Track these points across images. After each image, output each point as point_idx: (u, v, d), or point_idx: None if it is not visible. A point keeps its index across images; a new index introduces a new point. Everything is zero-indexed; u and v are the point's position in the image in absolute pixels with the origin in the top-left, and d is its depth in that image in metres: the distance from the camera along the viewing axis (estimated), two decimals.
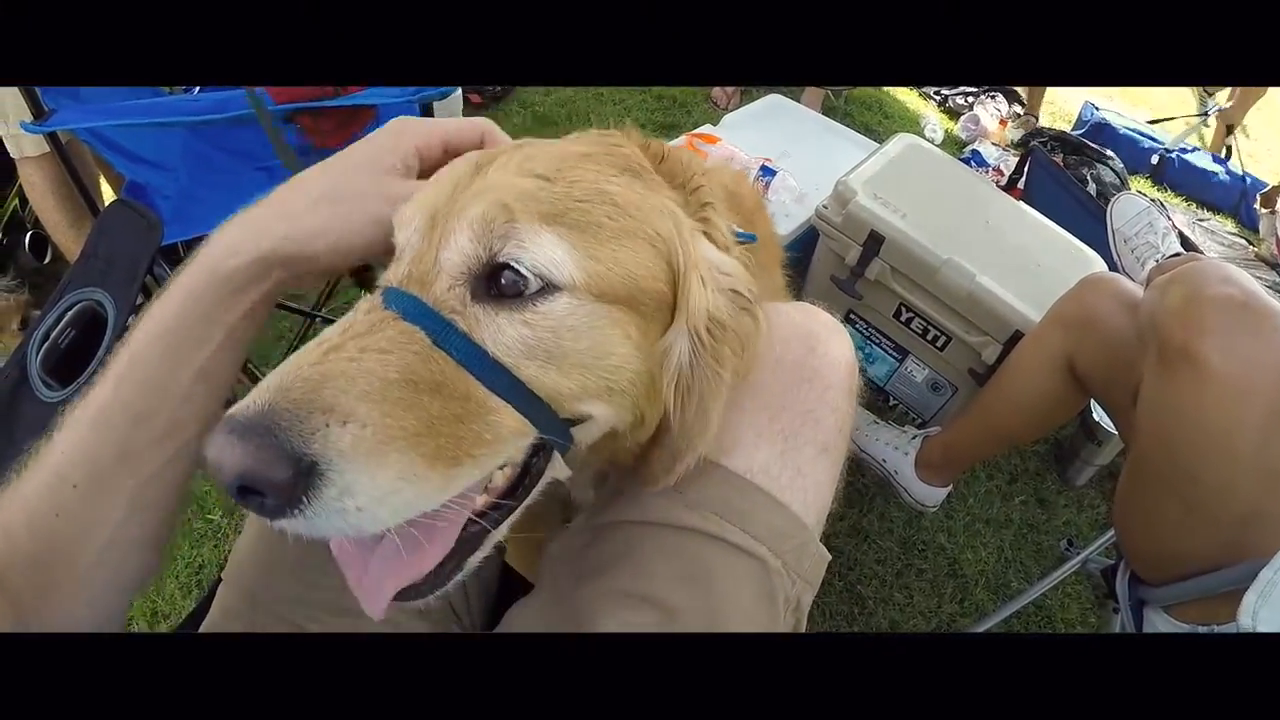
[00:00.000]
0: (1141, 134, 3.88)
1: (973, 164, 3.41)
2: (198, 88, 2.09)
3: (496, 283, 0.58)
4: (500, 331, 0.57)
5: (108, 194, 2.14)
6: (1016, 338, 1.75)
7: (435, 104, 1.57)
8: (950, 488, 1.91)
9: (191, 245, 1.88)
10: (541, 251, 0.57)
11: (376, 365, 0.52)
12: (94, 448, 0.60)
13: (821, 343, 0.78)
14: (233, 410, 0.48)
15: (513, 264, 0.57)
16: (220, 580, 0.81)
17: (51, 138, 1.53)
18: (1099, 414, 2.00)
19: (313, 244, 0.64)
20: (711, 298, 0.64)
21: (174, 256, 1.82)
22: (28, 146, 1.63)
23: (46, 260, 2.11)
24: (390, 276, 0.60)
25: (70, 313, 1.17)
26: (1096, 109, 3.94)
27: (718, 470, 0.72)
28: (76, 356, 1.16)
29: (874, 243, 1.88)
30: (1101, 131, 3.78)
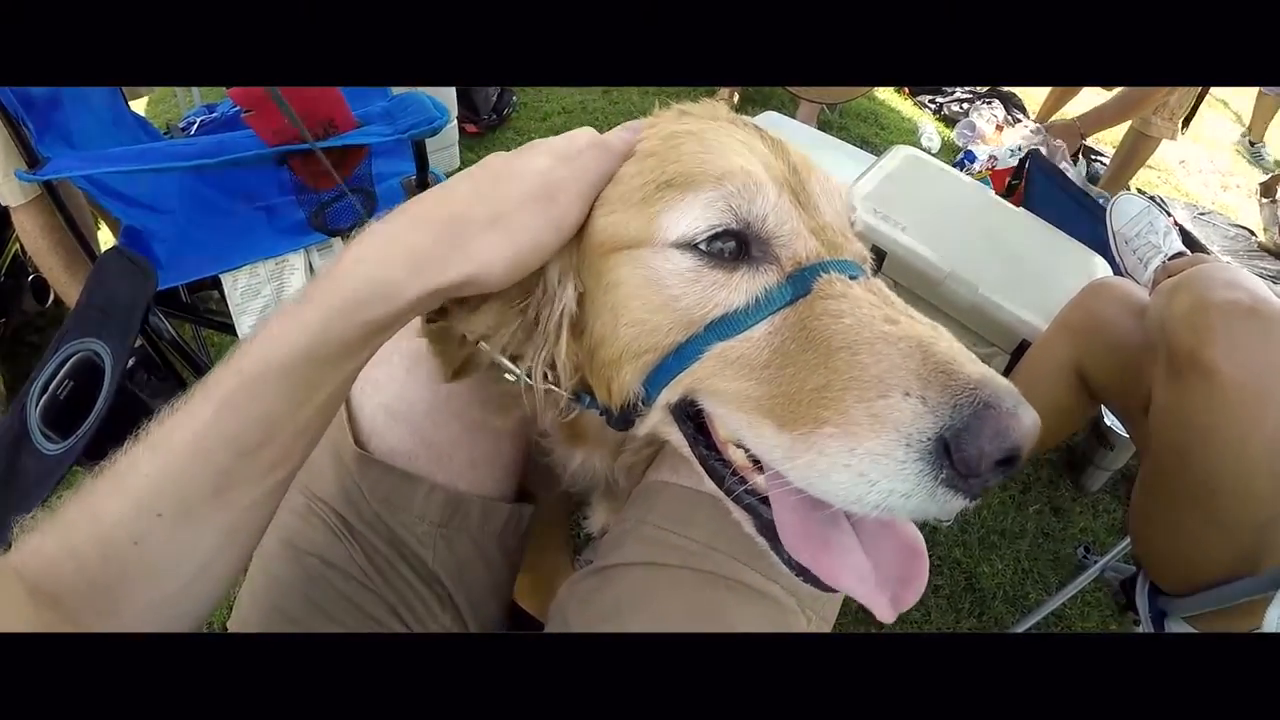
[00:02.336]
0: None
1: (965, 163, 3.40)
2: (194, 128, 2.11)
3: None
4: None
5: (105, 236, 2.14)
6: (1024, 348, 1.74)
7: (428, 138, 1.57)
8: None
9: (195, 290, 1.90)
10: None
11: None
12: (187, 477, 0.54)
13: None
14: (987, 382, 0.49)
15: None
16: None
17: (46, 185, 1.53)
18: (1111, 419, 1.98)
19: (490, 272, 0.58)
20: None
21: (175, 300, 1.82)
22: (18, 194, 1.63)
23: (49, 303, 2.12)
24: (807, 250, 0.60)
25: (68, 364, 1.17)
26: None
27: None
28: (75, 407, 1.16)
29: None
30: None
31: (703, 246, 0.58)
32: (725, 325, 0.57)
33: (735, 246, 0.59)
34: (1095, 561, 1.72)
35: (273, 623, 0.75)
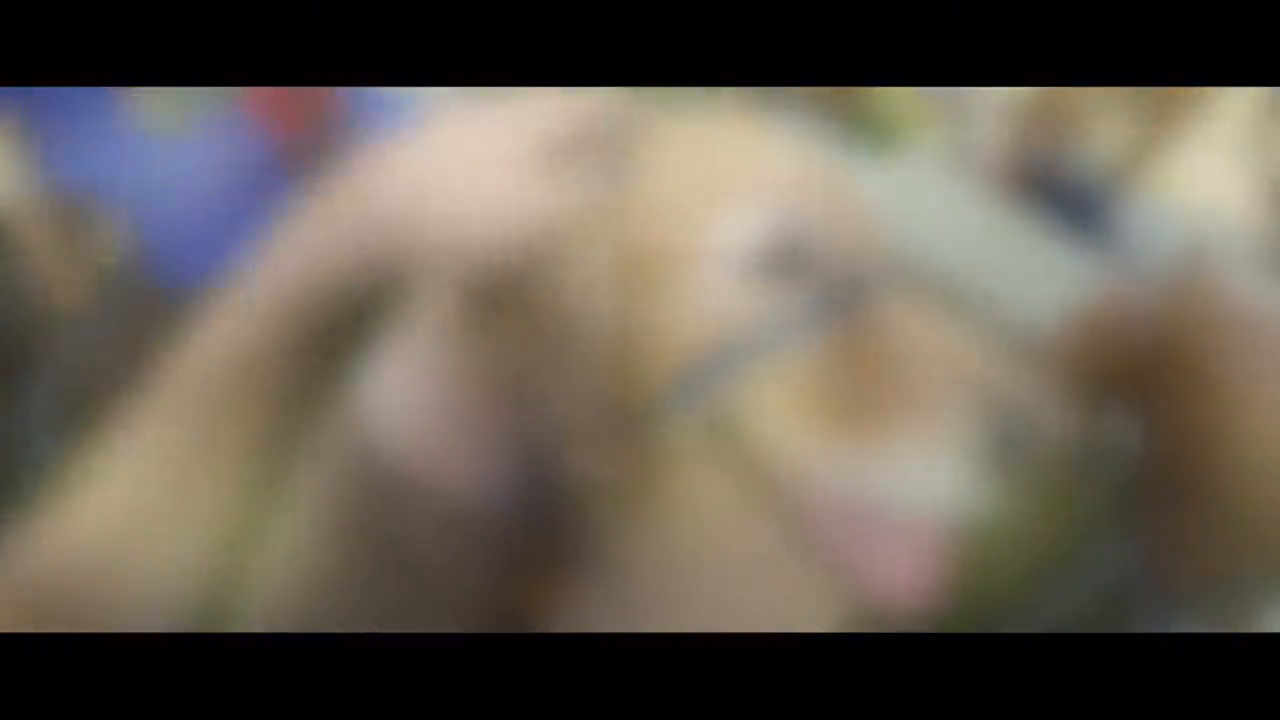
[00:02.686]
0: None
1: (965, 163, 3.39)
2: (195, 129, 2.10)
3: None
4: None
5: (104, 238, 2.14)
6: (1025, 348, 1.73)
7: None
8: None
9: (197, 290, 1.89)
10: None
11: None
12: (167, 476, 0.55)
13: None
14: (1023, 390, 0.51)
15: None
16: None
17: (46, 187, 1.53)
18: (1112, 419, 1.97)
19: (436, 237, 0.55)
20: None
21: (178, 299, 1.82)
22: (18, 197, 1.63)
23: (49, 305, 2.11)
24: (846, 265, 0.60)
25: (64, 363, 1.17)
26: None
27: None
28: (73, 407, 1.16)
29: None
30: None
31: (748, 259, 0.58)
32: (766, 337, 0.57)
33: (778, 260, 0.59)
34: (1096, 562, 1.71)
35: (270, 623, 0.75)
